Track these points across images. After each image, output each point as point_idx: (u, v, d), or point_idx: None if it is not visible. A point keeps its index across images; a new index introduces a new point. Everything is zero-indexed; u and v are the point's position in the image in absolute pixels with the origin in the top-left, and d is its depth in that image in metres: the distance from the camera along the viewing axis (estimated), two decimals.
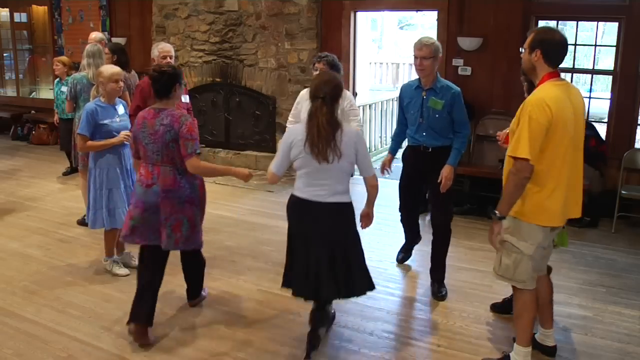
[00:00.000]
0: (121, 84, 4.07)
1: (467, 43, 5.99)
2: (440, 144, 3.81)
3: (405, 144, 4.12)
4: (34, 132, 9.08)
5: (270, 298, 3.91)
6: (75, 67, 6.38)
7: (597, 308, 3.80)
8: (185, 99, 4.73)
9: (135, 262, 4.32)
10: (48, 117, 8.26)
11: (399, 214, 4.26)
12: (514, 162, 2.69)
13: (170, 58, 4.62)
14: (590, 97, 5.87)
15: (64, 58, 6.96)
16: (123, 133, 4.03)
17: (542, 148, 2.67)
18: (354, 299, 3.80)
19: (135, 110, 4.46)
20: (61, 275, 4.23)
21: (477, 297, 3.92)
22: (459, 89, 3.80)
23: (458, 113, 3.77)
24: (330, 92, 2.90)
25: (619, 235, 5.20)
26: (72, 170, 6.87)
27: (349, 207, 3.04)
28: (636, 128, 5.63)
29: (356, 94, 7.03)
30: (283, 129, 4.47)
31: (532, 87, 2.92)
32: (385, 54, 14.64)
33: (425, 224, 4.90)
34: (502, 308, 3.68)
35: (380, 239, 4.89)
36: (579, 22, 5.90)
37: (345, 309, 3.69)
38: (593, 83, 6.42)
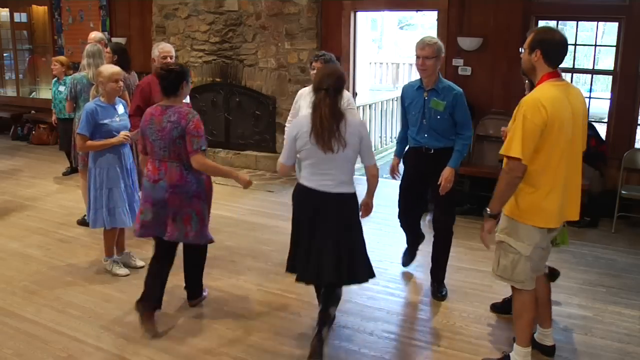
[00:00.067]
0: (121, 83, 4.07)
1: (467, 43, 5.99)
2: (442, 145, 3.75)
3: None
4: (34, 132, 9.08)
5: (270, 298, 3.91)
6: (75, 67, 6.38)
7: (597, 308, 3.79)
8: (186, 99, 4.72)
9: (136, 262, 4.35)
10: (48, 117, 8.25)
11: (399, 220, 4.14)
12: (507, 160, 2.69)
13: (171, 58, 4.62)
14: (590, 97, 5.87)
15: (62, 58, 6.96)
16: (122, 133, 4.04)
17: (537, 148, 2.66)
18: (353, 299, 3.83)
19: (135, 111, 4.47)
20: (61, 275, 4.23)
21: (477, 297, 3.92)
22: (461, 89, 3.73)
23: (460, 114, 3.71)
24: (333, 84, 2.97)
25: (619, 235, 5.20)
26: (72, 171, 6.87)
27: (353, 197, 3.12)
28: (636, 128, 5.63)
29: (356, 94, 7.03)
30: (283, 129, 4.47)
31: (533, 86, 2.92)
32: (385, 54, 14.63)
33: (425, 224, 4.89)
34: (502, 308, 3.68)
35: (380, 239, 4.89)
36: (579, 22, 5.90)
37: (345, 309, 3.69)
38: (593, 83, 6.42)
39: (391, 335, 3.46)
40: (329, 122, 2.92)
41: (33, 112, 9.35)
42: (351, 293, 3.76)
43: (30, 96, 10.13)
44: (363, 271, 3.15)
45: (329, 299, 3.19)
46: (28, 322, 3.55)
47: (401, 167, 4.08)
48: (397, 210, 4.19)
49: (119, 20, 8.60)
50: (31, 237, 5.00)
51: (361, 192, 3.24)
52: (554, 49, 2.71)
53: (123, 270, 4.22)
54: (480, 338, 3.41)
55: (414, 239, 4.26)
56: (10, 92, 10.39)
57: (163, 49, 4.65)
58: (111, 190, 4.03)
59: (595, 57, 6.02)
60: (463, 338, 3.41)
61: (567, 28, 6.90)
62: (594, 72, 6.25)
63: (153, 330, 3.39)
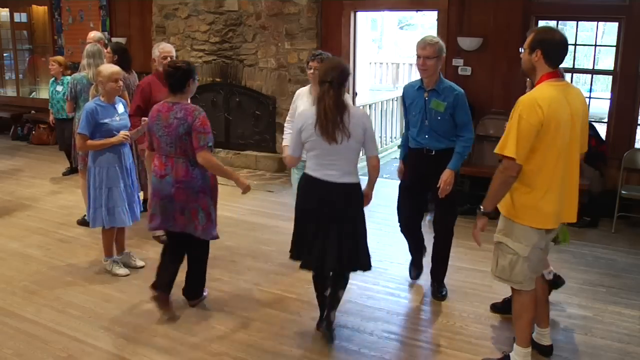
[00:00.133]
0: (120, 83, 4.07)
1: (467, 43, 5.99)
2: (444, 146, 3.68)
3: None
4: (34, 132, 9.08)
5: (270, 298, 3.91)
6: (75, 67, 6.38)
7: (597, 308, 3.79)
8: None
9: (136, 262, 4.35)
10: (48, 117, 8.26)
11: (399, 224, 4.03)
12: (502, 159, 2.69)
13: (171, 58, 4.61)
14: (590, 97, 5.87)
15: (59, 58, 6.97)
16: (122, 133, 4.04)
17: (533, 148, 2.65)
18: (353, 299, 3.83)
19: (135, 111, 4.47)
20: (61, 275, 4.23)
21: (477, 297, 3.92)
22: (462, 90, 3.67)
23: (460, 115, 3.63)
24: (337, 76, 3.05)
25: (619, 235, 5.20)
26: (71, 171, 6.88)
27: (358, 187, 3.20)
28: (636, 128, 5.63)
29: (356, 94, 7.03)
30: (283, 129, 4.46)
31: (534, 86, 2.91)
32: (385, 54, 14.63)
33: (425, 224, 4.89)
34: (502, 308, 3.68)
35: (380, 239, 4.89)
36: (579, 22, 5.90)
37: (345, 309, 3.69)
38: (593, 83, 6.43)
39: (391, 335, 3.46)
40: (333, 114, 3.01)
41: (33, 112, 9.35)
42: (351, 293, 3.76)
43: (30, 96, 10.14)
44: (365, 259, 3.24)
45: (337, 283, 3.32)
46: (28, 322, 3.55)
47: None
48: (396, 209, 4.11)
49: (119, 20, 8.60)
50: (31, 237, 5.00)
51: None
52: (555, 49, 2.70)
53: (123, 270, 4.22)
54: (480, 338, 3.41)
55: (415, 245, 4.10)
56: (10, 92, 10.39)
57: (163, 49, 4.65)
58: (111, 189, 4.03)
59: (595, 57, 6.02)
60: (463, 338, 3.41)
61: (567, 28, 6.90)
62: (594, 72, 6.25)
63: (169, 313, 3.58)
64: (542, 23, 5.70)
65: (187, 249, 3.65)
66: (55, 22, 9.19)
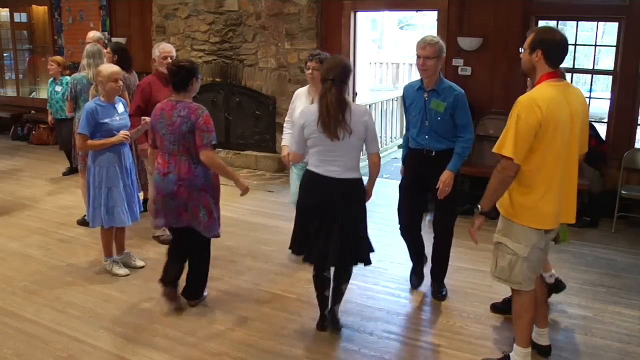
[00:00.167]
0: (120, 83, 4.07)
1: (467, 43, 5.99)
2: (444, 147, 3.64)
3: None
4: (34, 132, 9.08)
5: (270, 298, 3.91)
6: (75, 67, 6.38)
7: (597, 308, 3.79)
8: None
9: (136, 262, 4.35)
10: (47, 117, 8.26)
11: (399, 228, 3.96)
12: (500, 159, 2.68)
13: (171, 58, 4.61)
14: (590, 97, 5.87)
15: (58, 58, 6.97)
16: (122, 132, 4.04)
17: (532, 149, 2.64)
18: (353, 299, 3.82)
19: (135, 111, 4.47)
20: (61, 275, 4.23)
21: (477, 297, 3.92)
22: (462, 90, 3.63)
23: (460, 116, 3.60)
24: (339, 74, 3.11)
25: (619, 235, 5.20)
26: (71, 171, 6.88)
27: (360, 182, 3.26)
28: (636, 128, 5.63)
29: (356, 94, 7.03)
30: (282, 129, 4.47)
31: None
32: (385, 54, 14.64)
33: (425, 224, 4.89)
34: (502, 308, 3.68)
35: (380, 239, 4.88)
36: (579, 22, 5.90)
37: (345, 309, 3.69)
38: (593, 83, 6.43)
39: (391, 335, 3.45)
40: (335, 111, 3.05)
41: (33, 112, 9.35)
42: (351, 293, 3.76)
43: (30, 96, 10.14)
44: (366, 253, 3.30)
45: (340, 277, 3.39)
46: (28, 322, 3.55)
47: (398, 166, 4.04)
48: (396, 210, 4.08)
49: (119, 20, 8.60)
50: (31, 237, 5.00)
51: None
52: (555, 49, 2.69)
53: (123, 270, 4.22)
54: (480, 338, 3.41)
55: (415, 249, 4.04)
56: (10, 92, 10.39)
57: (164, 49, 4.65)
58: (110, 189, 4.02)
59: (595, 57, 6.03)
60: (463, 338, 3.41)
61: (567, 28, 6.91)
62: (594, 72, 6.25)
63: (176, 304, 3.70)
64: (542, 23, 5.70)
65: (189, 245, 3.68)
66: (55, 22, 9.19)
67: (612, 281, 4.21)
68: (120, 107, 4.13)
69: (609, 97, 5.77)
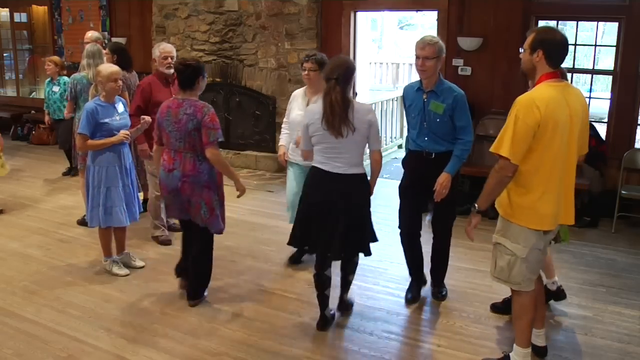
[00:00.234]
0: (120, 83, 4.07)
1: (467, 43, 5.99)
2: (444, 149, 3.57)
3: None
4: (34, 132, 9.08)
5: (270, 298, 3.91)
6: (75, 67, 6.38)
7: (597, 308, 3.79)
8: None
9: (135, 262, 4.35)
10: (44, 118, 8.26)
11: (399, 233, 3.89)
12: (498, 159, 2.68)
13: (172, 58, 4.62)
14: (590, 97, 5.87)
15: (55, 58, 6.97)
16: (122, 132, 4.04)
17: (530, 149, 2.63)
18: (354, 299, 3.82)
19: (135, 111, 4.47)
20: (61, 275, 4.23)
21: (477, 297, 3.92)
22: (462, 91, 3.55)
23: (459, 118, 3.52)
24: (342, 73, 3.18)
25: (619, 235, 5.20)
26: (71, 170, 6.88)
27: (364, 177, 3.34)
28: (636, 128, 5.63)
29: (356, 94, 7.00)
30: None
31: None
32: (385, 54, 14.66)
33: (425, 224, 4.89)
34: (502, 308, 3.68)
35: (381, 239, 4.82)
36: (579, 22, 5.90)
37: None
38: (593, 83, 6.43)
39: (391, 335, 3.46)
40: (340, 108, 3.13)
41: (33, 112, 9.34)
42: (351, 293, 3.76)
43: (30, 96, 10.13)
44: (367, 244, 3.40)
45: (347, 268, 3.58)
46: (28, 322, 3.55)
47: (399, 167, 4.02)
48: (397, 210, 3.99)
49: (119, 20, 8.60)
50: (31, 237, 5.00)
51: None
52: (556, 49, 2.68)
53: (123, 271, 4.22)
54: (480, 338, 3.41)
55: (414, 260, 3.92)
56: (10, 92, 10.39)
57: (164, 49, 4.65)
58: (109, 189, 4.02)
59: (595, 57, 6.03)
60: (463, 338, 3.41)
61: (567, 28, 6.91)
62: (594, 72, 6.25)
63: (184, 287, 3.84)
64: (542, 23, 5.70)
65: (192, 248, 3.72)
66: (55, 22, 9.19)
67: (612, 281, 4.21)
68: (120, 107, 4.13)
69: (609, 97, 5.77)
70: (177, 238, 4.87)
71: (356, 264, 3.59)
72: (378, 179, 3.46)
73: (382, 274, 4.28)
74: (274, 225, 5.27)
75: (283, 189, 6.33)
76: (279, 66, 7.10)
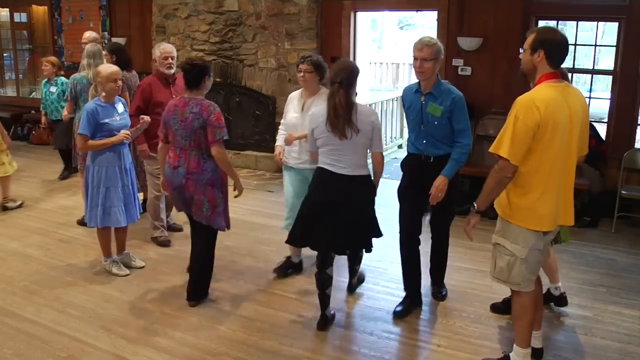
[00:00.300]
0: (119, 83, 4.06)
1: (467, 43, 5.99)
2: (442, 152, 3.50)
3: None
4: (34, 132, 9.08)
5: (270, 298, 3.91)
6: (75, 67, 6.38)
7: (597, 308, 3.79)
8: None
9: (136, 262, 4.36)
10: (42, 119, 8.25)
11: (399, 238, 3.75)
12: (497, 159, 2.68)
13: (172, 59, 4.61)
14: (590, 97, 5.87)
15: (52, 58, 6.96)
16: (122, 132, 4.04)
17: (530, 150, 2.63)
18: (353, 299, 3.82)
19: (135, 111, 4.47)
20: (61, 275, 4.23)
21: (477, 297, 3.92)
22: (460, 93, 3.48)
23: (458, 120, 3.44)
24: (346, 77, 3.26)
25: (619, 235, 5.20)
26: (65, 171, 6.87)
27: (369, 178, 3.43)
28: (636, 128, 5.63)
29: (356, 94, 6.99)
30: None
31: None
32: (385, 54, 14.66)
33: (425, 223, 4.89)
34: (502, 308, 3.68)
35: (380, 239, 4.86)
36: (579, 22, 5.90)
37: (345, 308, 3.68)
38: (593, 83, 6.43)
39: (391, 335, 3.46)
40: (344, 111, 3.21)
41: (33, 112, 9.33)
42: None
43: (30, 96, 10.13)
44: (369, 240, 3.50)
45: (353, 259, 3.84)
46: (28, 322, 3.55)
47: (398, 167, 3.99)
48: (396, 210, 3.89)
49: (119, 20, 8.60)
50: (31, 237, 5.00)
51: None
52: (557, 49, 2.67)
53: (123, 271, 4.22)
54: (480, 338, 3.41)
55: (411, 263, 3.74)
56: (10, 92, 10.38)
57: (164, 50, 4.64)
58: (108, 189, 4.02)
59: (595, 57, 6.03)
60: (463, 338, 3.41)
61: (567, 28, 6.91)
62: (594, 72, 6.25)
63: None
64: (542, 23, 5.70)
65: (193, 247, 3.75)
66: (55, 22, 9.18)
67: (612, 281, 4.21)
68: (120, 107, 4.13)
69: (609, 97, 5.77)
70: (176, 239, 4.89)
71: (361, 257, 3.77)
72: (383, 165, 3.55)
73: (382, 274, 4.28)
74: (274, 225, 5.26)
75: (283, 189, 6.33)
76: (279, 66, 7.10)
